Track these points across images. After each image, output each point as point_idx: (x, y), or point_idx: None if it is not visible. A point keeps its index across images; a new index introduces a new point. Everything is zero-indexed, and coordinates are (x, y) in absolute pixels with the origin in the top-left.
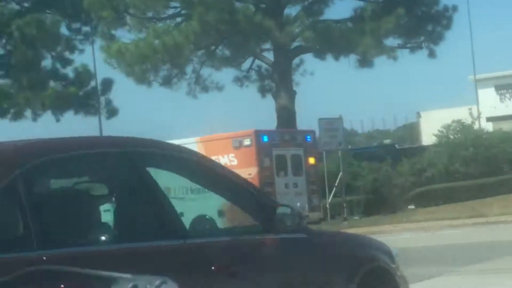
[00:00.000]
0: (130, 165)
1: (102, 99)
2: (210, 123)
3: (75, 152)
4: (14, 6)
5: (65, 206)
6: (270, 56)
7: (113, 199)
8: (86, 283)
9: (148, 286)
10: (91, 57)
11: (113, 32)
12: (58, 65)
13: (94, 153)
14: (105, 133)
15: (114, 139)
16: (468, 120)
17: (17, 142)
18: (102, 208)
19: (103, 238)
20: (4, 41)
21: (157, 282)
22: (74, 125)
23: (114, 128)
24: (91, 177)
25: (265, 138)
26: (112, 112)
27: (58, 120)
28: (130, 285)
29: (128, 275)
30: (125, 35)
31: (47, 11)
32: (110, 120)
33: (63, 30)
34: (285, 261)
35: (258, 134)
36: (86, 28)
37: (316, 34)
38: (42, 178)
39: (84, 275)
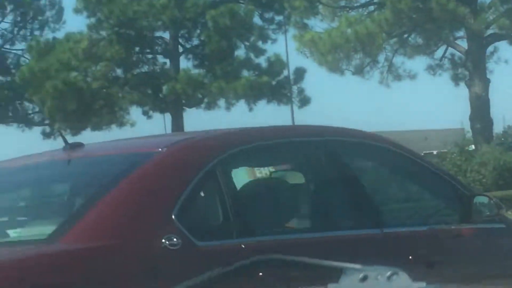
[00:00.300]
0: (328, 154)
1: (295, 88)
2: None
3: (272, 141)
4: None
5: (262, 194)
6: (463, 44)
7: (310, 187)
8: (314, 272)
9: (378, 277)
10: (283, 46)
11: (305, 21)
12: (251, 55)
13: (291, 142)
14: (297, 122)
15: (311, 128)
16: None
17: (214, 131)
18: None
19: (300, 226)
20: (198, 31)
21: (388, 273)
22: (267, 114)
23: (306, 117)
24: (288, 166)
25: None
26: (304, 101)
27: (251, 110)
28: (361, 275)
29: (357, 265)
30: (317, 24)
31: (241, 1)
32: (302, 109)
33: (256, 19)
34: (482, 252)
35: None
36: (279, 18)
37: (511, 21)
38: (240, 166)
39: (313, 265)
